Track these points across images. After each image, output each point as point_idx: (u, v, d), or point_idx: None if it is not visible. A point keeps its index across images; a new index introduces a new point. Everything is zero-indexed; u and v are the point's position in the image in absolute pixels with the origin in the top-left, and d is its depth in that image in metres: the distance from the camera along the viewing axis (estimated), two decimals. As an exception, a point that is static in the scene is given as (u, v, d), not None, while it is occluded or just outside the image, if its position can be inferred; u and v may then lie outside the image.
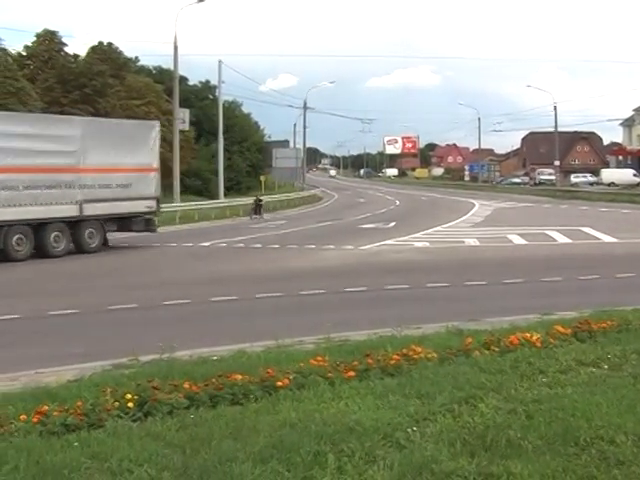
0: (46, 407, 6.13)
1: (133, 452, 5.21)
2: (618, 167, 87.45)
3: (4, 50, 52.45)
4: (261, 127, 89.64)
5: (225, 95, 60.74)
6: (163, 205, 38.21)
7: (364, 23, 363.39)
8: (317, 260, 20.66)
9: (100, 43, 62.95)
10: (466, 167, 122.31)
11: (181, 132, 46.74)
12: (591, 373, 7.29)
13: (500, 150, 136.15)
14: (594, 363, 7.60)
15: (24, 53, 59.36)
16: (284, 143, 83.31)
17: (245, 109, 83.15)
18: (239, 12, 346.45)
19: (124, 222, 24.98)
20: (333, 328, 9.52)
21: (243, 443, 5.36)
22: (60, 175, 22.51)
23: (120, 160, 24.11)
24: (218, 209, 42.61)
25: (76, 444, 5.44)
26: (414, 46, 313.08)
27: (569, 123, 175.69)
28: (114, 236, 25.46)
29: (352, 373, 7.18)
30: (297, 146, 78.40)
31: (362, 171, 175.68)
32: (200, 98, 72.57)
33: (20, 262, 20.80)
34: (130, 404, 6.21)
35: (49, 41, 59.31)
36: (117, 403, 6.22)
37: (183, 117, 46.82)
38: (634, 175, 75.70)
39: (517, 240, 25.26)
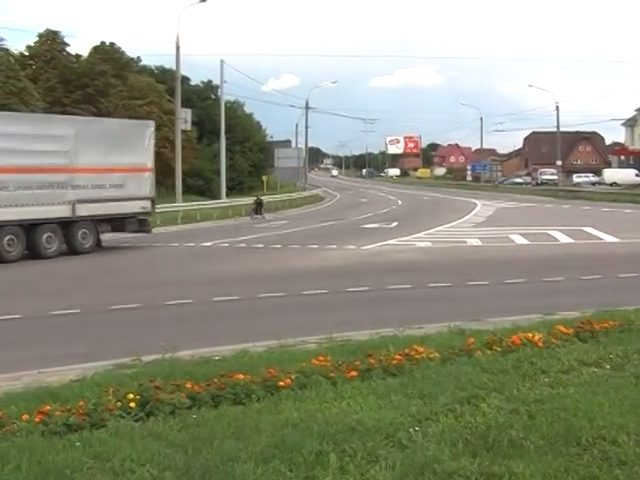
0: (48, 407, 6.14)
1: (135, 452, 5.22)
2: (620, 167, 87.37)
3: (6, 50, 52.48)
4: (263, 127, 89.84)
5: (227, 95, 60.88)
6: (165, 205, 38.45)
7: (366, 23, 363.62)
8: (319, 260, 20.66)
9: (102, 43, 63.02)
10: (468, 167, 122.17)
11: (183, 132, 46.79)
12: (593, 373, 7.29)
13: (502, 150, 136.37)
14: (596, 363, 7.60)
15: (26, 53, 59.43)
16: (286, 143, 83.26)
17: (247, 109, 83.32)
18: (241, 12, 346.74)
19: (118, 223, 24.72)
20: (335, 328, 9.53)
21: (245, 443, 5.37)
22: (52, 175, 22.26)
23: (114, 160, 23.89)
24: (220, 209, 42.63)
25: (78, 444, 5.44)
26: (416, 46, 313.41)
27: (571, 123, 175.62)
28: (116, 236, 25.46)
29: (354, 373, 7.18)
30: (299, 146, 78.30)
31: (364, 171, 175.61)
32: (202, 98, 72.60)
33: (12, 263, 20.58)
34: (132, 404, 6.21)
35: (51, 41, 59.37)
36: (119, 403, 6.22)
37: (185, 117, 46.84)
38: (636, 175, 75.63)
39: (519, 240, 25.25)
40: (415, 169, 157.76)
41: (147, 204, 25.42)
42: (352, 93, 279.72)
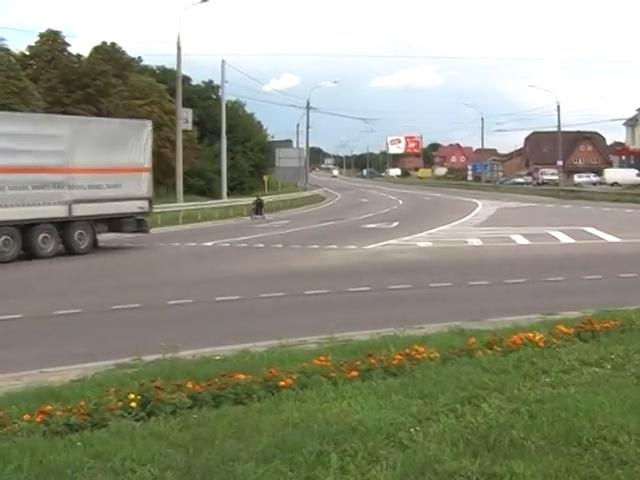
0: (49, 407, 6.14)
1: (136, 452, 5.22)
2: (621, 167, 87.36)
3: (7, 50, 52.54)
4: (264, 127, 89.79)
5: (228, 95, 60.77)
6: (166, 205, 38.49)
7: (367, 23, 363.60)
8: (320, 260, 20.66)
9: (103, 43, 63.08)
10: (469, 167, 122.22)
11: (184, 132, 46.80)
12: (594, 373, 7.29)
13: (503, 150, 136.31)
14: (597, 363, 7.60)
15: (27, 53, 59.48)
16: (287, 143, 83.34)
17: (248, 109, 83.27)
18: (242, 12, 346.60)
19: (115, 223, 24.51)
20: (336, 328, 9.53)
21: (246, 443, 5.37)
22: (48, 175, 22.11)
23: (111, 160, 23.76)
24: (221, 209, 42.63)
25: (79, 444, 5.44)
26: (417, 46, 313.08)
27: (572, 123, 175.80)
28: (117, 236, 25.44)
29: (355, 373, 7.18)
30: (300, 146, 78.36)
31: (365, 171, 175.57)
32: (203, 98, 72.62)
33: (8, 263, 20.42)
34: (133, 404, 6.22)
35: (52, 41, 59.42)
36: (120, 403, 6.23)
37: (186, 117, 46.85)
38: (637, 175, 75.55)
39: (520, 240, 25.25)
40: (416, 169, 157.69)
41: (145, 204, 25.23)
42: (353, 93, 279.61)
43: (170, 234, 30.02)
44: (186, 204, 41.15)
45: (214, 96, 72.02)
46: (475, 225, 32.85)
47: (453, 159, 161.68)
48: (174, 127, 45.99)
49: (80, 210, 22.90)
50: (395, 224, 33.50)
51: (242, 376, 6.91)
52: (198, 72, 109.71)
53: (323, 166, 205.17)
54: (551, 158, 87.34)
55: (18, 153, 21.08)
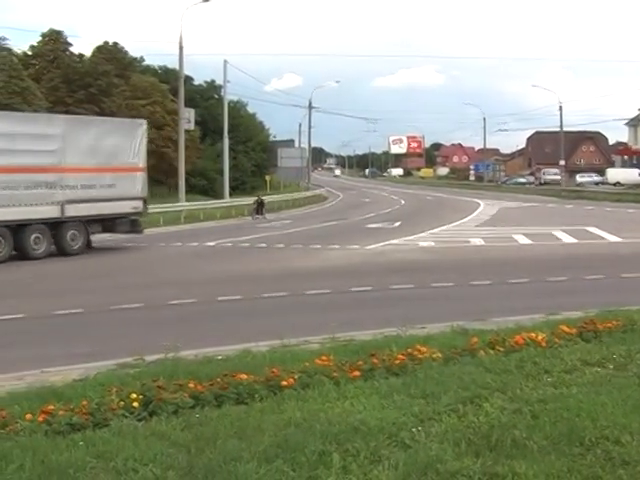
0: (51, 406, 6.15)
1: (138, 451, 5.22)
2: (623, 167, 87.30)
3: (9, 50, 52.65)
4: (266, 127, 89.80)
5: (230, 95, 60.77)
6: (168, 205, 38.50)
7: (369, 23, 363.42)
8: (322, 260, 20.66)
9: (105, 43, 63.19)
10: (471, 167, 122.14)
11: (186, 132, 46.81)
12: (596, 373, 7.28)
13: (505, 150, 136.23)
14: (599, 363, 7.59)
15: (29, 53, 59.60)
16: (289, 143, 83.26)
17: (250, 109, 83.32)
18: (244, 12, 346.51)
19: (109, 223, 24.24)
20: (338, 328, 9.53)
21: (248, 442, 5.37)
22: (40, 175, 21.84)
23: (104, 159, 23.50)
24: (223, 209, 42.64)
25: (81, 443, 5.45)
26: (418, 46, 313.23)
27: (574, 123, 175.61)
28: (119, 237, 25.39)
29: (357, 373, 7.18)
30: (302, 146, 78.41)
31: (367, 171, 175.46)
32: (205, 98, 72.67)
33: (1, 264, 20.21)
34: (135, 403, 6.22)
35: (54, 41, 59.51)
36: (122, 402, 6.23)
37: (188, 117, 46.83)
38: (639, 175, 75.56)
39: (522, 240, 25.23)
40: (418, 169, 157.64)
41: (139, 204, 24.91)
42: (355, 93, 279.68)
43: (172, 234, 30.02)
44: (188, 204, 41.17)
45: (216, 96, 72.10)
46: (477, 225, 32.85)
47: (455, 159, 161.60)
48: (176, 127, 46.00)
49: (73, 210, 22.63)
50: (397, 224, 33.49)
51: (244, 376, 6.91)
52: (200, 72, 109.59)
53: (325, 166, 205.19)
54: (553, 158, 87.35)
55: (9, 153, 20.83)
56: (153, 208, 34.53)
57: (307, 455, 5.06)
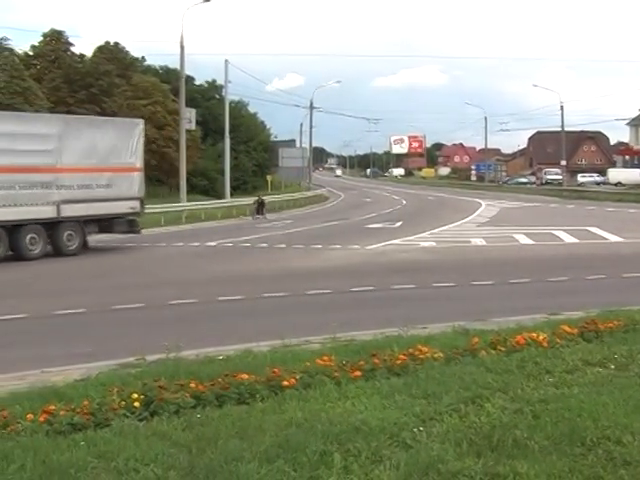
0: (53, 406, 6.14)
1: (139, 451, 5.22)
2: (625, 167, 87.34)
3: (11, 50, 52.67)
4: (267, 127, 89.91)
5: (231, 95, 60.80)
6: (169, 205, 38.52)
7: (370, 23, 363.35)
8: (323, 260, 20.65)
9: (107, 43, 63.28)
10: (473, 167, 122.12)
11: (188, 132, 46.83)
12: (598, 373, 7.28)
13: (507, 150, 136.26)
14: (601, 363, 7.59)
15: (31, 53, 59.67)
16: (290, 143, 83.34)
17: (251, 109, 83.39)
18: (245, 12, 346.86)
19: (106, 223, 24.08)
20: (339, 328, 9.52)
21: (249, 442, 5.37)
22: (36, 175, 21.66)
23: (101, 159, 23.36)
24: (224, 208, 42.65)
25: (82, 443, 5.45)
26: (420, 46, 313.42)
27: (576, 122, 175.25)
28: (119, 237, 25.34)
29: (358, 373, 7.18)
30: (303, 146, 78.43)
31: (368, 171, 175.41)
32: (206, 98, 72.72)
33: None
34: (136, 403, 6.22)
35: (56, 41, 59.59)
36: (123, 402, 6.23)
37: (190, 117, 46.85)
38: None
39: (524, 240, 25.23)
40: (419, 169, 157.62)
41: (136, 204, 24.71)
42: (356, 93, 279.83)
43: (173, 234, 30.04)
44: (189, 204, 41.19)
45: (217, 96, 72.17)
46: (478, 225, 32.84)
47: (456, 159, 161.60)
48: (177, 127, 46.02)
49: (69, 210, 22.46)
50: (398, 224, 33.48)
51: (245, 376, 6.90)
52: (201, 72, 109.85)
53: (326, 166, 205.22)
54: (555, 158, 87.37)
55: (4, 152, 20.69)
56: (154, 208, 34.63)
57: (308, 455, 5.06)
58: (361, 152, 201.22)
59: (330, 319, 10.27)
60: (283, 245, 24.37)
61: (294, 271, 18.35)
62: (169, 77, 63.21)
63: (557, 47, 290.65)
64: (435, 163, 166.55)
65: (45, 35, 59.68)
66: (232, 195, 52.39)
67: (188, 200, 42.56)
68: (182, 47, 43.49)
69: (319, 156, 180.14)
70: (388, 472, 4.85)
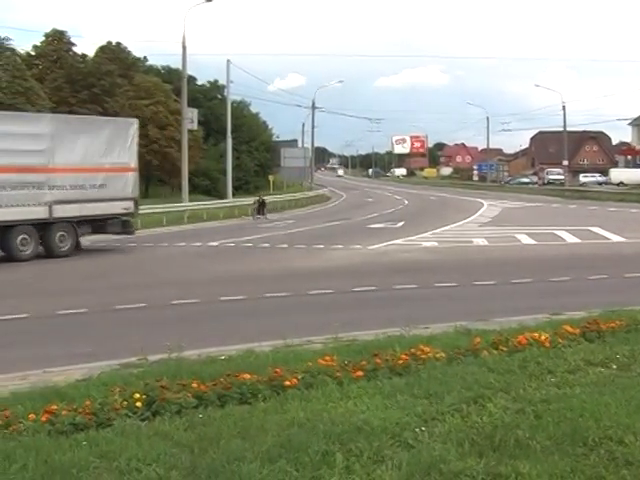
0: (55, 406, 6.15)
1: (141, 451, 5.22)
2: (627, 167, 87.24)
3: (13, 50, 52.67)
4: (269, 127, 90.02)
5: (233, 95, 60.91)
6: (171, 205, 38.54)
7: (372, 23, 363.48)
8: (325, 260, 20.65)
9: (108, 43, 63.31)
10: (475, 167, 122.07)
11: (190, 132, 46.84)
12: (600, 373, 7.27)
13: (509, 150, 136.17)
14: (603, 363, 7.59)
15: (33, 53, 59.73)
16: (292, 143, 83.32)
17: (253, 109, 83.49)
18: (247, 12, 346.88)
19: (99, 224, 23.81)
20: (341, 328, 9.52)
21: (251, 442, 5.37)
22: (27, 175, 21.31)
23: (94, 159, 23.08)
24: (226, 208, 42.66)
25: (85, 443, 5.45)
26: (422, 46, 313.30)
27: (578, 122, 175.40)
28: (119, 237, 25.27)
29: (360, 373, 7.18)
30: (305, 145, 78.42)
31: (370, 171, 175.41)
32: (208, 98, 72.78)
33: None
34: (138, 403, 6.22)
35: (58, 41, 59.64)
36: (125, 402, 6.23)
37: (192, 117, 46.84)
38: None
39: (525, 240, 25.21)
40: (421, 169, 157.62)
41: (130, 205, 24.40)
42: (358, 93, 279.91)
43: (175, 234, 30.04)
44: (191, 204, 41.19)
45: (219, 96, 72.23)
46: (480, 225, 32.82)
47: (459, 159, 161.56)
48: (179, 127, 46.00)
49: (61, 211, 22.16)
50: (400, 224, 33.47)
51: (247, 376, 6.91)
52: (203, 72, 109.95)
53: (328, 166, 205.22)
54: (557, 158, 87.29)
55: None
56: (156, 208, 34.72)
57: (310, 455, 5.06)
58: (363, 152, 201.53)
59: (332, 319, 10.27)
60: (285, 245, 24.37)
61: (296, 271, 18.35)
62: (171, 77, 63.20)
63: (559, 47, 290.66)
64: (437, 163, 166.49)
65: (47, 35, 59.73)
66: (234, 195, 52.40)
67: (190, 200, 42.55)
68: (184, 47, 43.48)
69: (321, 156, 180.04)
70: (390, 472, 4.85)
